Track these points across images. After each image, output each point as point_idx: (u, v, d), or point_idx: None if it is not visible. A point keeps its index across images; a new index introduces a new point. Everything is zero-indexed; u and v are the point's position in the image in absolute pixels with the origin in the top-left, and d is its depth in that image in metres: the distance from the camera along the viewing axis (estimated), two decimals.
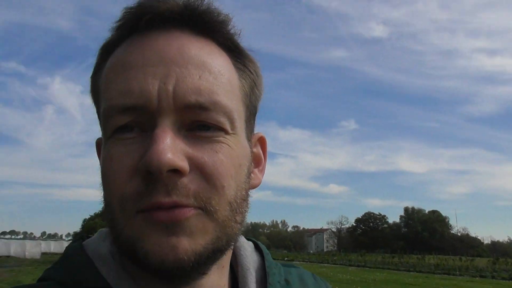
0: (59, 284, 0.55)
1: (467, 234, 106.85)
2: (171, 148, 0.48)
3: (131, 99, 0.50)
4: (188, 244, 0.49)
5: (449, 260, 41.34)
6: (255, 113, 0.63)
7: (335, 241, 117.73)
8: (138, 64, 0.52)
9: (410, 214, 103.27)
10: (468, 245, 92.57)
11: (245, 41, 0.59)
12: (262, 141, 0.66)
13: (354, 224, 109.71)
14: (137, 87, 0.50)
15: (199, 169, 0.50)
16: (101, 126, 0.57)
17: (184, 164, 0.48)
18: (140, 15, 0.53)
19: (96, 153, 0.63)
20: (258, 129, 0.65)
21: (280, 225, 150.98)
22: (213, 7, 0.56)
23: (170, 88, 0.50)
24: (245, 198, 0.56)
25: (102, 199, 0.55)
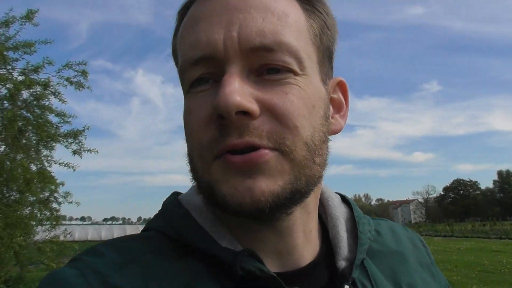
0: (160, 233, 0.59)
1: None
2: (238, 91, 0.48)
3: (200, 50, 0.52)
4: (265, 185, 0.49)
5: None
6: (331, 56, 0.62)
7: (423, 212, 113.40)
8: (205, 15, 0.53)
9: (505, 178, 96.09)
10: None
11: None
12: (342, 86, 0.65)
13: (442, 193, 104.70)
14: (204, 37, 0.52)
15: (270, 111, 0.51)
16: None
17: (252, 106, 0.49)
18: None
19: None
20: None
21: (363, 199, 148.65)
22: None
23: (235, 34, 0.51)
24: (324, 141, 0.55)
25: (187, 153, 0.57)
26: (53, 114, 6.80)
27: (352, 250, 0.62)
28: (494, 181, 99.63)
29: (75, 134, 6.75)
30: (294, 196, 0.52)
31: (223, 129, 0.50)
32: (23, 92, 6.36)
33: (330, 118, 0.60)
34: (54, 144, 6.87)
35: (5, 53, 6.22)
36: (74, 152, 6.75)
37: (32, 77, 6.46)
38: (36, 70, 6.52)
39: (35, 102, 6.58)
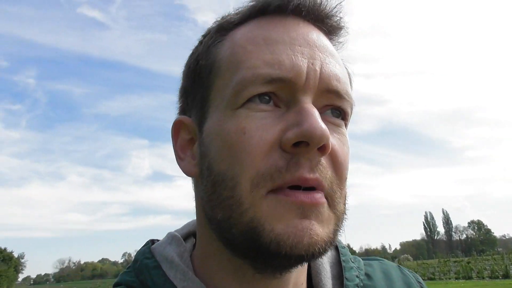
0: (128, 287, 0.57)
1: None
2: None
3: (280, 71, 0.50)
4: (321, 230, 0.47)
5: None
6: None
7: None
8: (285, 40, 0.52)
9: None
10: None
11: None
12: None
13: None
14: (287, 60, 0.50)
15: (331, 156, 0.50)
16: (212, 98, 0.55)
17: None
18: (269, 1, 0.55)
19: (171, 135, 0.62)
20: None
21: None
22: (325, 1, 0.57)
23: (318, 69, 0.51)
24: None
25: (215, 177, 0.51)
26: None
27: None
28: None
29: None
30: (330, 247, 0.50)
31: (292, 159, 0.47)
32: None
33: None
34: None
35: None
36: None
37: None
38: None
39: None
